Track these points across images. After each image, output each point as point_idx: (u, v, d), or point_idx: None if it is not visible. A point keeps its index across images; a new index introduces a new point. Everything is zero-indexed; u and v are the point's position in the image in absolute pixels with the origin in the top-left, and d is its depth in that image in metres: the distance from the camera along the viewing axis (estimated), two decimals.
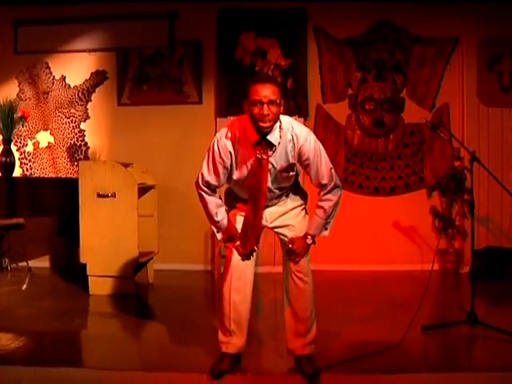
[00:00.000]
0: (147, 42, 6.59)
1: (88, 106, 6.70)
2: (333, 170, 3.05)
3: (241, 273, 3.11)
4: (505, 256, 5.94)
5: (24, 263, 5.87)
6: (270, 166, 2.94)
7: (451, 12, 6.32)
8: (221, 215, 3.15)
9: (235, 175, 3.03)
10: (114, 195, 5.08)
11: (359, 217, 6.41)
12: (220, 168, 3.00)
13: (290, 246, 3.08)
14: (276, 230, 3.20)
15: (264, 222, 3.14)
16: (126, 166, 5.34)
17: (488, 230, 6.27)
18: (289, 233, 3.15)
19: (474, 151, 4.10)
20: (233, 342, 3.16)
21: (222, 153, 2.96)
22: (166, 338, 4.03)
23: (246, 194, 3.09)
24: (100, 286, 5.11)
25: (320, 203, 3.10)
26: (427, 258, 6.06)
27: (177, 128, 6.54)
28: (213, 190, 3.14)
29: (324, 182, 3.04)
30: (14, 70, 6.71)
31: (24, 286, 5.39)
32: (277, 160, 2.94)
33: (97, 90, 6.68)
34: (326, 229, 3.16)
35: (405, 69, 6.47)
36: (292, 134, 2.93)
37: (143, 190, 5.60)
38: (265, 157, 2.90)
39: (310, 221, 3.14)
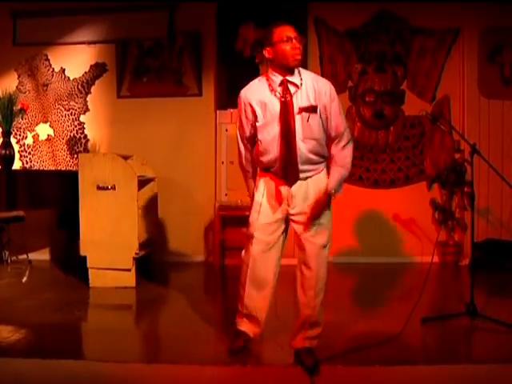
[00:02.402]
0: (147, 34, 6.57)
1: (87, 99, 6.68)
2: (345, 128, 3.17)
3: (260, 266, 3.21)
4: (504, 248, 5.96)
5: (24, 256, 5.87)
6: (294, 106, 3.04)
7: (452, 3, 6.29)
8: (249, 167, 3.35)
9: (263, 124, 3.12)
10: (113, 187, 5.07)
11: (359, 209, 6.42)
12: (248, 122, 3.19)
13: (313, 210, 3.11)
14: (294, 217, 3.17)
15: (286, 207, 3.16)
16: (125, 158, 5.34)
17: (488, 222, 6.27)
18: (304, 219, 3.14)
19: (475, 143, 4.09)
20: (246, 326, 3.32)
21: (245, 108, 3.17)
22: (166, 330, 4.04)
23: (277, 149, 3.10)
24: (100, 278, 5.12)
25: (338, 160, 3.17)
26: (427, 250, 6.06)
27: (177, 120, 6.52)
28: (248, 142, 3.28)
29: (341, 129, 3.12)
30: (13, 62, 6.69)
31: (24, 279, 5.39)
32: (298, 101, 3.05)
33: (96, 82, 6.67)
34: (341, 186, 3.25)
35: (405, 60, 6.45)
36: (312, 79, 3.12)
37: (143, 182, 5.60)
38: (288, 97, 3.04)
39: (331, 176, 3.16)
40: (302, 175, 3.11)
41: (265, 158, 3.17)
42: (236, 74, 6.27)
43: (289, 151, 3.06)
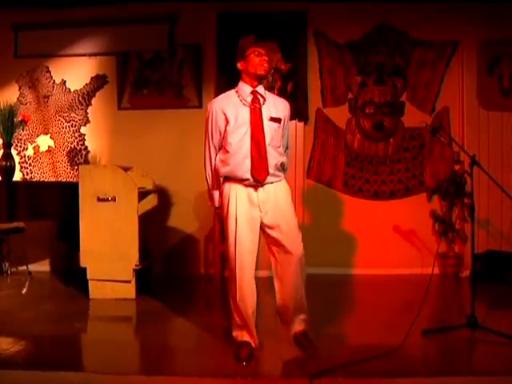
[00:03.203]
0: (147, 46, 6.61)
1: (88, 110, 6.71)
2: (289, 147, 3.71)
3: (247, 274, 3.39)
4: (505, 260, 5.94)
5: (24, 267, 5.87)
6: (264, 114, 3.37)
7: (451, 15, 6.34)
8: (215, 176, 3.52)
9: (233, 129, 3.35)
10: (114, 199, 5.08)
11: (359, 220, 6.42)
12: (217, 129, 3.43)
13: None
14: (268, 231, 3.41)
15: (259, 213, 3.37)
16: (126, 169, 5.35)
17: (488, 233, 6.27)
18: (280, 236, 3.38)
19: (474, 155, 4.11)
20: (245, 336, 3.48)
21: (216, 115, 3.41)
22: (166, 343, 4.03)
23: (248, 150, 3.33)
24: (100, 289, 5.11)
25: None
26: (427, 261, 6.06)
27: (177, 132, 6.54)
28: (216, 152, 3.50)
29: (286, 142, 3.60)
30: (14, 73, 6.72)
31: (24, 290, 5.38)
32: (266, 111, 3.39)
33: (97, 94, 6.70)
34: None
35: (405, 72, 6.48)
36: (274, 97, 3.56)
37: (143, 193, 5.60)
38: (258, 106, 3.37)
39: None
40: (269, 178, 3.36)
41: (233, 161, 3.34)
42: (236, 86, 6.29)
43: (259, 152, 3.32)
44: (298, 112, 6.40)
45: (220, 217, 3.65)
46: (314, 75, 6.51)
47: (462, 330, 3.90)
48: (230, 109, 3.37)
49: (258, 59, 3.35)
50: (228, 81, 6.44)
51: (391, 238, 6.42)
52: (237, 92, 3.44)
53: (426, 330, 3.90)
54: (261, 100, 3.40)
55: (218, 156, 3.46)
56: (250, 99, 3.39)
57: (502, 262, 5.92)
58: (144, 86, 6.63)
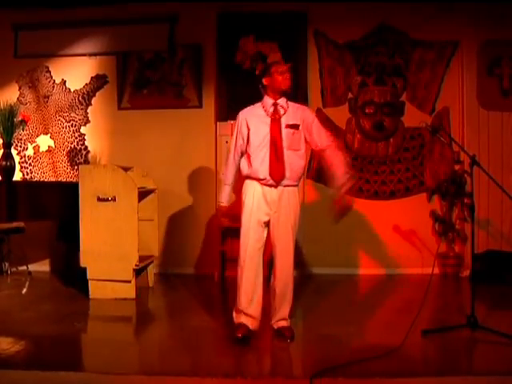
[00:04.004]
0: (147, 46, 6.61)
1: (88, 110, 6.71)
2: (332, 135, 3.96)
3: (253, 264, 3.75)
4: (505, 260, 5.95)
5: (24, 267, 5.87)
6: (282, 123, 3.76)
7: (451, 16, 6.34)
8: (231, 175, 3.98)
9: (255, 136, 3.78)
10: (114, 199, 5.08)
11: (359, 220, 6.42)
12: (241, 135, 3.87)
13: (340, 202, 3.77)
14: (270, 228, 3.81)
15: (269, 210, 3.77)
16: (126, 169, 5.34)
17: (488, 233, 6.27)
18: (275, 241, 3.81)
19: (474, 155, 4.11)
20: (244, 318, 3.77)
21: (241, 123, 3.86)
22: (166, 342, 4.03)
23: (268, 154, 3.74)
24: (100, 289, 5.11)
25: (333, 160, 3.81)
26: (427, 261, 6.06)
27: (177, 132, 6.54)
28: (237, 154, 3.92)
29: (328, 142, 3.84)
30: (14, 73, 6.73)
31: (24, 290, 5.39)
32: (285, 120, 3.78)
33: (97, 93, 6.70)
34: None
35: (405, 72, 6.48)
36: (297, 107, 3.90)
37: (143, 193, 5.60)
38: (277, 116, 3.78)
39: (337, 177, 3.76)
40: (285, 181, 3.73)
41: (254, 162, 3.76)
42: (236, 86, 6.31)
43: (276, 156, 3.72)
44: None
45: (221, 213, 4.02)
46: (314, 75, 6.52)
47: (462, 330, 3.90)
48: (253, 119, 3.82)
49: (281, 77, 3.78)
50: (228, 81, 6.47)
51: (391, 238, 6.42)
52: (262, 104, 3.87)
53: (425, 330, 3.89)
54: (281, 111, 3.81)
55: (242, 159, 3.88)
56: (271, 110, 3.81)
57: (502, 262, 5.92)
58: (144, 85, 6.63)
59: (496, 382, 3.11)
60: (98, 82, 6.69)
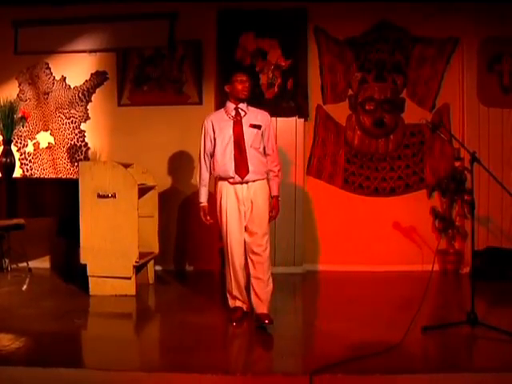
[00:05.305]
0: (147, 43, 6.60)
1: (88, 107, 6.70)
2: (276, 149, 4.39)
3: (236, 253, 4.15)
4: (505, 256, 5.95)
5: (24, 264, 5.87)
6: (244, 123, 4.15)
7: (451, 12, 6.33)
8: (205, 177, 4.40)
9: (220, 138, 4.17)
10: (114, 196, 5.08)
11: (359, 217, 6.43)
12: (208, 137, 4.29)
13: (272, 213, 4.24)
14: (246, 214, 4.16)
15: (243, 207, 4.13)
16: (126, 166, 5.34)
17: (488, 230, 6.27)
18: (248, 236, 4.15)
19: (474, 152, 4.10)
20: (238, 302, 4.25)
21: (208, 127, 4.29)
22: (166, 339, 4.04)
23: (232, 152, 4.12)
24: (100, 286, 5.11)
25: (273, 172, 4.32)
26: (427, 258, 6.06)
27: (177, 128, 6.53)
28: (207, 156, 4.35)
29: (270, 151, 4.30)
30: (14, 70, 6.71)
31: (24, 287, 5.39)
32: (246, 121, 4.18)
33: (97, 90, 6.68)
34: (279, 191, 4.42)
35: (405, 69, 6.47)
36: (256, 111, 4.29)
37: (143, 190, 5.60)
38: (239, 118, 4.18)
39: (272, 186, 4.29)
40: (250, 176, 4.09)
41: (221, 162, 4.14)
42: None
43: (240, 154, 4.09)
44: (298, 109, 6.40)
45: (204, 212, 4.38)
46: (314, 72, 6.51)
47: (461, 327, 3.90)
48: (218, 122, 4.21)
49: (241, 86, 4.17)
50: (228, 77, 6.44)
51: (391, 235, 6.43)
52: (225, 109, 4.27)
53: (425, 326, 3.90)
54: (242, 113, 4.20)
55: (212, 161, 4.27)
56: (233, 113, 4.19)
57: (501, 259, 5.93)
58: (144, 82, 6.62)
59: (496, 379, 3.11)
60: (98, 79, 6.68)
